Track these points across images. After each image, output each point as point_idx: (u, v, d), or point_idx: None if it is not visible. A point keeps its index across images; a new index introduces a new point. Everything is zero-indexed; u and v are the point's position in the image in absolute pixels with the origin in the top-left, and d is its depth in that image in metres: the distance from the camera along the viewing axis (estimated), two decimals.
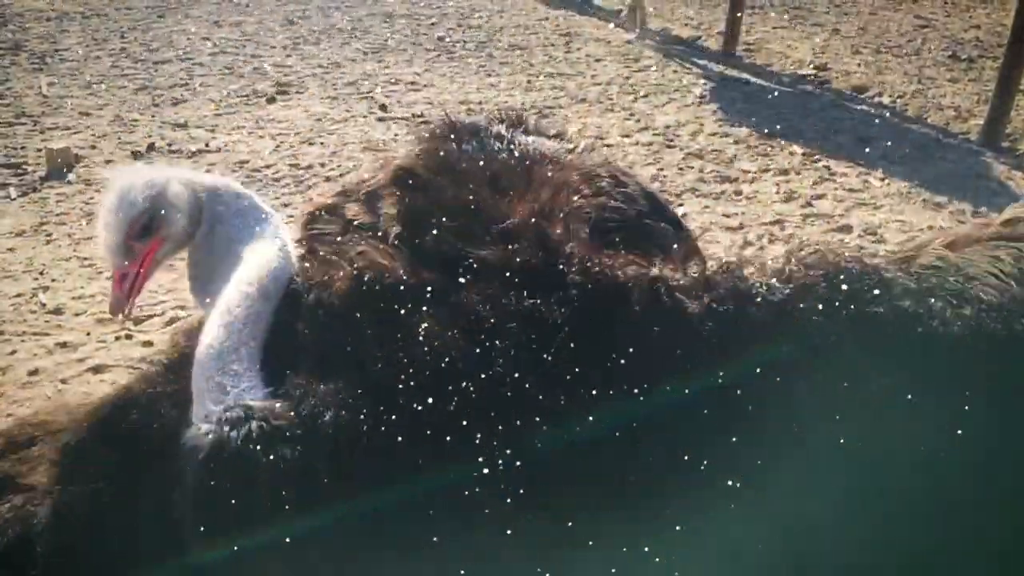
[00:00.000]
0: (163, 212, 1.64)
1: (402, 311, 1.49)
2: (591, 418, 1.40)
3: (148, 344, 3.39)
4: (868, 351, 1.40)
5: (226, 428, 1.40)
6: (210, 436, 1.41)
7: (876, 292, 1.44)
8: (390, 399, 1.40)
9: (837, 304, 1.43)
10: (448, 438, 1.38)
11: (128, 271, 1.66)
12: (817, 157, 5.45)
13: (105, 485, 1.54)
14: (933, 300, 1.43)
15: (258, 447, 1.38)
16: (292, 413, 1.42)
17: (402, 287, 1.53)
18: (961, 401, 1.34)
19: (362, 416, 1.40)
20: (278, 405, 1.43)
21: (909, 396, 1.35)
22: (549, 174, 1.85)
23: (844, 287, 1.45)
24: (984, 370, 1.38)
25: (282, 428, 1.40)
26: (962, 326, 1.40)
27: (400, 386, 1.41)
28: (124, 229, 1.62)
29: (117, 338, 3.42)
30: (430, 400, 1.40)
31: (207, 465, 1.39)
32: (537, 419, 1.40)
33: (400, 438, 1.38)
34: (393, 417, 1.39)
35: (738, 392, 1.39)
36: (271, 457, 1.37)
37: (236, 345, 1.50)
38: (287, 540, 1.36)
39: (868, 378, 1.38)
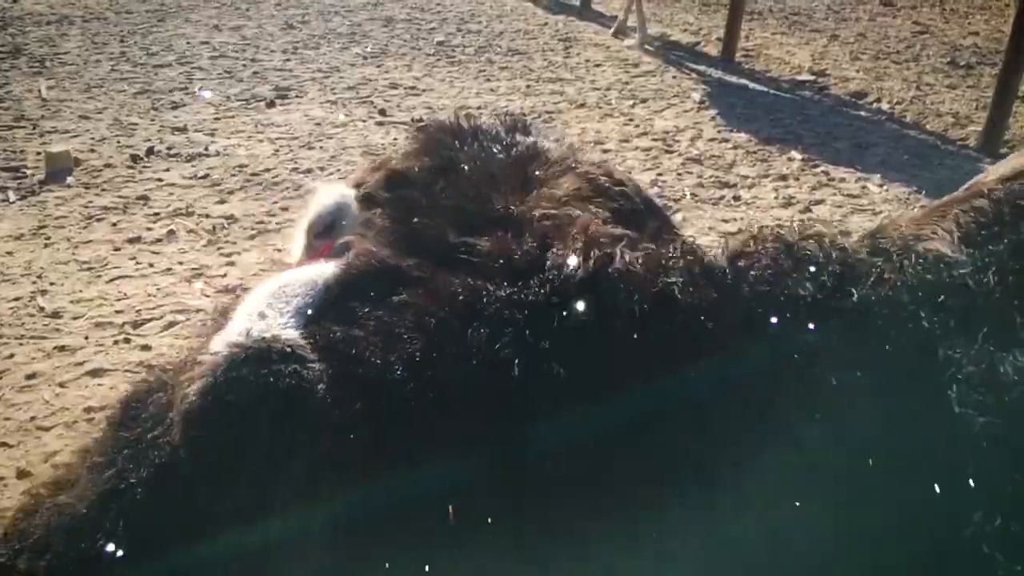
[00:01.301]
0: (343, 220, 1.91)
1: (385, 293, 1.57)
2: (578, 409, 1.42)
3: (146, 348, 3.39)
4: (817, 320, 1.43)
5: (251, 342, 1.48)
6: (233, 348, 1.48)
7: (825, 257, 1.49)
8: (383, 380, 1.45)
9: (788, 274, 1.47)
10: (436, 414, 1.42)
11: (304, 264, 1.89)
12: (816, 163, 5.46)
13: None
14: (877, 258, 1.49)
15: (279, 363, 1.43)
16: (313, 346, 1.49)
17: (387, 271, 1.61)
18: (905, 357, 1.37)
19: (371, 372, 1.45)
20: (305, 341, 1.51)
21: (852, 357, 1.38)
22: (546, 174, 1.87)
23: (795, 258, 1.50)
24: (926, 322, 1.40)
25: (304, 356, 1.46)
26: (902, 281, 1.43)
27: (390, 369, 1.46)
28: (310, 228, 1.91)
29: (116, 342, 3.42)
30: (418, 379, 1.44)
31: (224, 370, 1.44)
32: (518, 406, 1.42)
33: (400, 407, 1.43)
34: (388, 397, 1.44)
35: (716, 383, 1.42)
36: (288, 373, 1.42)
37: (291, 296, 1.62)
38: (291, 457, 1.37)
39: (815, 346, 1.41)
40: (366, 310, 1.54)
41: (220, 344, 1.52)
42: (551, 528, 1.41)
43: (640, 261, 1.53)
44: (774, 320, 1.43)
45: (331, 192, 1.96)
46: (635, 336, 1.45)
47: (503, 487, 1.40)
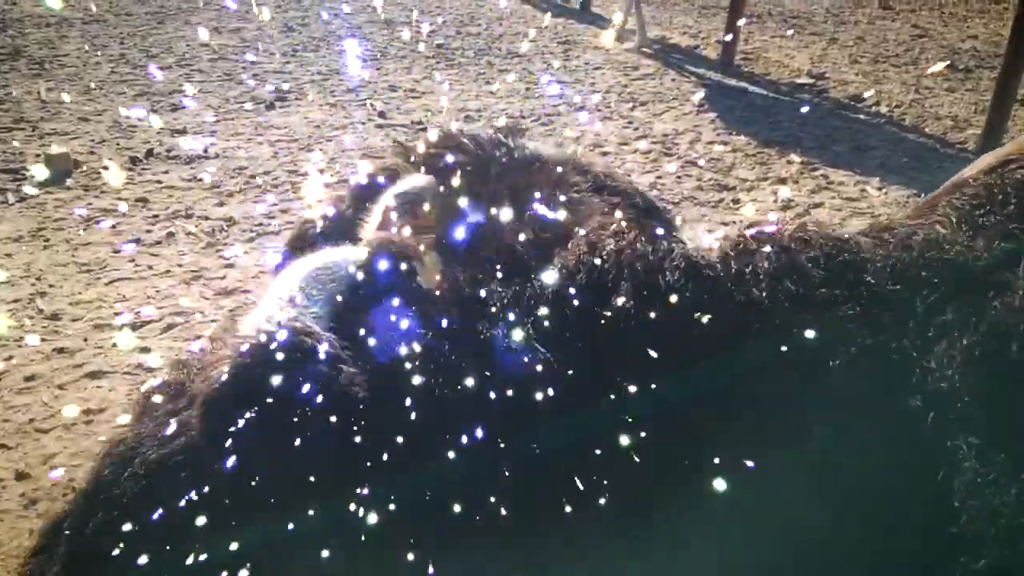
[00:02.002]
0: (424, 203, 1.86)
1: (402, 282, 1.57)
2: (586, 407, 1.42)
3: (145, 350, 3.38)
4: (822, 310, 1.44)
5: (280, 331, 1.42)
6: (262, 336, 1.43)
7: (827, 248, 1.50)
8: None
9: (790, 267, 1.48)
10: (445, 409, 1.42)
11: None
12: (815, 166, 5.47)
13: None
14: (879, 249, 1.50)
15: (305, 356, 1.39)
16: (340, 339, 1.45)
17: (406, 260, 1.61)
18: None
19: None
20: (332, 333, 1.47)
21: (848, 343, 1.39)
22: (547, 174, 1.89)
23: (797, 249, 1.51)
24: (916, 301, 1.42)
25: (331, 351, 1.42)
26: (906, 266, 1.45)
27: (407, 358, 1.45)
28: (390, 205, 1.84)
29: (114, 344, 3.42)
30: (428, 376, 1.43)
31: (249, 359, 1.40)
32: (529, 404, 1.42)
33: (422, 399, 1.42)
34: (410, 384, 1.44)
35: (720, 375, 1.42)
36: (314, 367, 1.38)
37: (324, 282, 1.57)
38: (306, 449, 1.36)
39: (821, 335, 1.42)
40: (385, 302, 1.53)
41: (249, 328, 1.48)
42: (559, 527, 1.41)
43: (641, 259, 1.53)
44: (778, 311, 1.43)
45: (417, 177, 1.91)
46: (640, 333, 1.45)
47: (517, 485, 1.40)
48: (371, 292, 1.58)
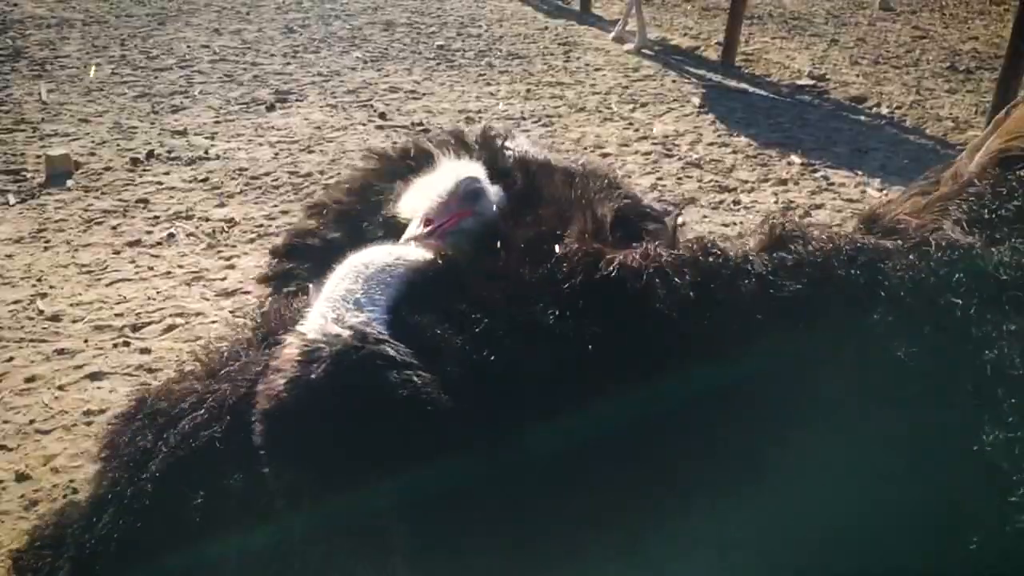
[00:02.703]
0: (484, 193, 1.82)
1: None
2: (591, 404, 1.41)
3: (146, 352, 3.38)
4: (847, 311, 1.44)
5: (351, 338, 1.39)
6: (318, 348, 1.39)
7: (845, 256, 1.50)
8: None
9: (811, 269, 1.48)
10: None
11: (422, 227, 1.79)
12: (815, 167, 5.47)
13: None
14: (891, 261, 1.49)
15: (383, 366, 1.36)
16: (408, 350, 1.41)
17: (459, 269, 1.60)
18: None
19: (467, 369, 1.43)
20: (396, 342, 1.43)
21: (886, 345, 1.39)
22: (546, 176, 1.90)
23: (816, 253, 1.50)
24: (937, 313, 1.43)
25: (408, 361, 1.39)
26: (929, 269, 1.46)
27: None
28: (455, 189, 1.79)
29: (115, 345, 3.42)
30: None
31: (323, 366, 1.37)
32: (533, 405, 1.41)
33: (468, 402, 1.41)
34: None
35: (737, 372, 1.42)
36: (388, 379, 1.36)
37: (387, 283, 1.54)
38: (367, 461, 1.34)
39: (846, 336, 1.43)
40: (448, 310, 1.51)
41: (312, 331, 1.43)
42: (598, 518, 1.41)
43: (674, 255, 1.53)
44: (814, 308, 1.43)
45: (466, 166, 1.86)
46: (683, 326, 1.44)
47: (559, 476, 1.40)
48: (433, 294, 1.55)
